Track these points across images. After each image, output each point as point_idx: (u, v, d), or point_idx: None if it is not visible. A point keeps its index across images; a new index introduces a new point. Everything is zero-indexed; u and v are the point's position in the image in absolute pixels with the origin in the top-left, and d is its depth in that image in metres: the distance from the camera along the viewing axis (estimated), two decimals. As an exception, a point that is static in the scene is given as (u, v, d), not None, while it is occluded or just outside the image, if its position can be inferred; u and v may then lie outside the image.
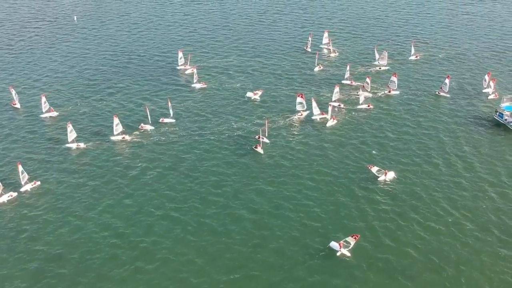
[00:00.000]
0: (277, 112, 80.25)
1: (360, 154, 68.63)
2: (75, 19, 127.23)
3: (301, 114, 78.77)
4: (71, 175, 65.09)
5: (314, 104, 77.52)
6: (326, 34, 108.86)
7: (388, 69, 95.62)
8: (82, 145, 70.83)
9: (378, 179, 62.62)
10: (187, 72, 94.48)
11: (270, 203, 59.20)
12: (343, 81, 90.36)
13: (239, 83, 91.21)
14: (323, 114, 77.52)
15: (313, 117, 77.49)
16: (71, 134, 70.33)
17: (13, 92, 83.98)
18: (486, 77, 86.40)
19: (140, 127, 75.19)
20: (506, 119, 75.28)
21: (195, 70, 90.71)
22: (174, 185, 62.77)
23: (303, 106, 78.32)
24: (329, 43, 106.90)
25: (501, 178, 63.20)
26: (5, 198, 59.97)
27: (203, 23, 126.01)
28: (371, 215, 56.96)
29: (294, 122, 77.09)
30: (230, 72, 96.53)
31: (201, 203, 59.42)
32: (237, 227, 55.57)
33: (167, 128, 75.66)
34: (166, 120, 77.39)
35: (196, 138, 73.18)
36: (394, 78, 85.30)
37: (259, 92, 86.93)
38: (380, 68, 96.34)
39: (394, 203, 58.90)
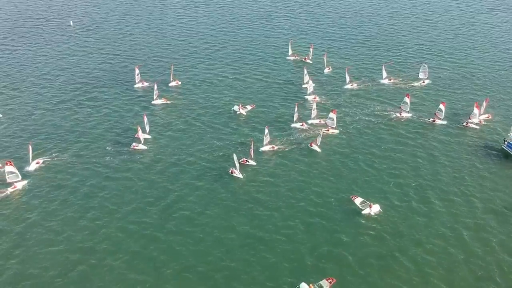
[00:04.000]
0: (265, 131, 74.82)
1: (344, 183, 63.01)
2: (71, 23, 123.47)
3: (328, 130, 74.23)
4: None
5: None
6: (290, 45, 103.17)
7: (430, 83, 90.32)
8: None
9: (362, 212, 57.23)
10: (170, 84, 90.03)
11: (241, 238, 54.17)
12: (306, 97, 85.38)
13: (228, 97, 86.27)
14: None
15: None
16: None
17: None
18: (484, 103, 79.28)
19: (132, 147, 70.75)
20: (515, 149, 68.79)
21: (155, 86, 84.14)
22: (136, 216, 57.94)
23: (333, 124, 73.95)
24: (294, 54, 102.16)
25: (508, 225, 56.30)
26: None
27: (201, 28, 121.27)
28: (350, 255, 51.54)
29: (281, 143, 71.66)
30: (220, 84, 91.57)
31: (167, 236, 54.71)
32: (206, 261, 50.95)
33: (145, 147, 70.89)
34: (142, 135, 72.84)
35: (173, 159, 68.33)
36: (442, 107, 76.84)
37: (249, 107, 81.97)
38: (423, 82, 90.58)
39: (377, 242, 53.37)
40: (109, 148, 70.66)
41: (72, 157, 68.47)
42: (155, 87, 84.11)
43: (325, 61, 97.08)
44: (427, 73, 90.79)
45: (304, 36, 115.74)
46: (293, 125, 75.72)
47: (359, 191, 60.83)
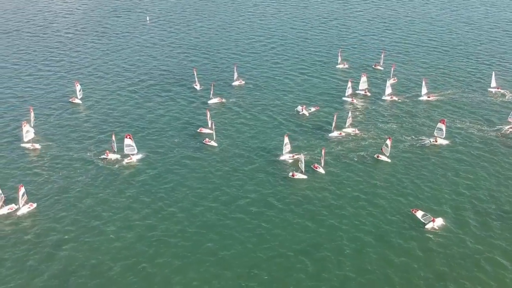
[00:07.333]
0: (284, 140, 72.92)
1: (412, 195, 61.65)
2: (148, 19, 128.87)
3: (435, 140, 72.76)
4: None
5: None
6: (339, 54, 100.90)
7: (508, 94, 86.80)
8: (37, 146, 71.23)
9: (425, 226, 56.00)
10: (234, 83, 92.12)
11: (299, 242, 54.33)
12: (344, 98, 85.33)
13: (293, 100, 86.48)
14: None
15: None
16: (27, 134, 70.85)
17: (78, 88, 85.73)
18: None
19: (204, 141, 73.16)
20: None
21: (212, 86, 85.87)
22: (203, 211, 59.55)
23: (442, 134, 72.41)
24: (343, 62, 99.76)
25: None
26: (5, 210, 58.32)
27: (270, 26, 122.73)
28: (411, 274, 50.11)
29: (342, 150, 71.34)
30: (285, 84, 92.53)
31: (226, 238, 55.58)
32: (267, 266, 51.18)
33: (215, 144, 72.60)
34: (205, 130, 75.31)
35: (238, 158, 69.39)
36: None
37: (313, 109, 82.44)
38: (499, 89, 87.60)
39: (440, 262, 51.39)
40: (178, 140, 73.67)
41: (142, 148, 71.22)
42: (211, 87, 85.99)
43: (391, 72, 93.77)
44: (494, 81, 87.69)
45: (376, 41, 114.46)
46: (330, 134, 75.06)
47: (423, 204, 59.66)
